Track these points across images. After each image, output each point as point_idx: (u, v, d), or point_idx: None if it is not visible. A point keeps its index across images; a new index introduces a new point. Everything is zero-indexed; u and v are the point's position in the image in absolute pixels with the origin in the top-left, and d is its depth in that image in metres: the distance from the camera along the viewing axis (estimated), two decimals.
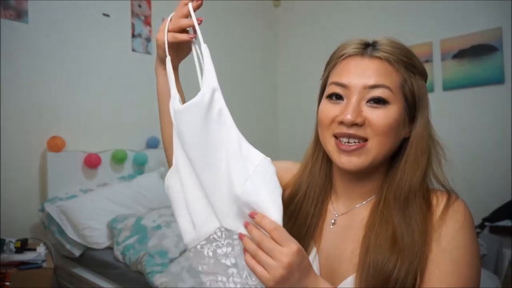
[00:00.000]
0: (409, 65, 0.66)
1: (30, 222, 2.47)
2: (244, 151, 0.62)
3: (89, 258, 2.30)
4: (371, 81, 0.64)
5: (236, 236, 0.64)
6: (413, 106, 0.67)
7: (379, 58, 0.65)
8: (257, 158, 0.61)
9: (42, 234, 2.40)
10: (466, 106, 2.85)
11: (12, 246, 1.94)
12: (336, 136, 0.66)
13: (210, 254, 0.67)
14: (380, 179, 0.70)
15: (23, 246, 1.96)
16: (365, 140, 0.64)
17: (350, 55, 0.68)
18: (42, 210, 2.38)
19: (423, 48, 2.98)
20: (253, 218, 0.58)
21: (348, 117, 0.63)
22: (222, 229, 0.65)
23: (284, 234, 0.56)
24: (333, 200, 0.74)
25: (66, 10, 2.62)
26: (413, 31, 3.05)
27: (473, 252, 0.61)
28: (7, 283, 1.70)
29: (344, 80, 0.66)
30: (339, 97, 0.67)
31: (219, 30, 3.48)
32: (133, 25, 2.98)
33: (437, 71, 2.97)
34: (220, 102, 0.63)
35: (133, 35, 2.99)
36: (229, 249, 0.65)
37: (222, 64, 3.58)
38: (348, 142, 0.65)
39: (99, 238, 2.30)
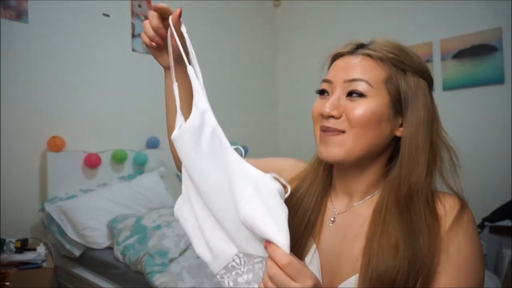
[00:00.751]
0: (397, 61, 0.66)
1: (30, 222, 2.47)
2: (242, 172, 0.58)
3: (89, 258, 2.30)
4: (351, 75, 0.66)
5: (257, 260, 0.60)
6: (399, 103, 0.66)
7: (364, 55, 0.67)
8: (256, 177, 0.57)
9: (42, 234, 2.40)
10: (466, 106, 2.85)
11: (12, 246, 1.94)
12: (321, 130, 0.69)
13: (231, 284, 0.62)
14: (375, 176, 0.70)
15: (23, 246, 1.96)
16: (343, 132, 0.66)
17: (341, 55, 0.71)
18: (42, 210, 2.38)
19: (423, 48, 2.98)
20: (266, 248, 0.55)
21: (325, 109, 0.66)
22: (241, 255, 0.60)
23: (299, 268, 0.53)
24: (333, 198, 0.75)
25: (66, 10, 2.63)
26: (413, 31, 3.05)
27: (477, 255, 0.62)
28: (7, 283, 1.70)
29: (329, 76, 0.70)
30: (326, 92, 0.70)
31: (219, 30, 3.48)
32: (133, 25, 2.99)
33: (437, 71, 2.97)
34: (212, 122, 0.60)
35: (133, 35, 2.99)
36: (250, 275, 0.60)
37: (222, 64, 3.60)
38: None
39: (99, 238, 2.30)
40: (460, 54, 2.90)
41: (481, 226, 2.45)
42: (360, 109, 0.64)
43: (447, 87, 2.93)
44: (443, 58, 2.96)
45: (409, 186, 0.64)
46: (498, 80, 2.75)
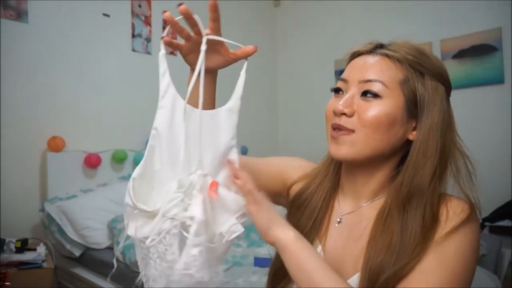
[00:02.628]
0: (415, 63, 0.65)
1: (30, 222, 2.47)
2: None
3: (89, 258, 2.30)
4: (366, 76, 0.66)
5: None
6: (414, 106, 0.65)
7: (382, 55, 0.67)
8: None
9: (42, 234, 2.40)
10: (466, 106, 2.85)
11: (12, 246, 1.94)
12: (332, 127, 0.68)
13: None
14: (384, 179, 0.70)
15: (23, 246, 1.96)
16: (353, 131, 0.66)
17: (359, 54, 0.70)
18: (42, 210, 2.38)
19: None
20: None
21: (338, 107, 0.66)
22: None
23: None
24: (340, 199, 0.75)
25: (66, 10, 2.63)
26: (413, 31, 3.05)
27: (469, 266, 0.60)
28: (7, 283, 1.70)
29: (345, 75, 0.70)
30: (341, 91, 0.70)
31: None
32: (133, 25, 2.99)
33: None
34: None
35: (133, 35, 2.99)
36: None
37: None
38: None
39: (99, 238, 2.30)
40: (460, 54, 2.90)
41: (481, 226, 2.45)
42: (373, 110, 0.64)
43: None
44: (443, 58, 2.96)
45: (409, 188, 0.64)
46: (498, 80, 2.75)
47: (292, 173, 0.82)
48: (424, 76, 0.65)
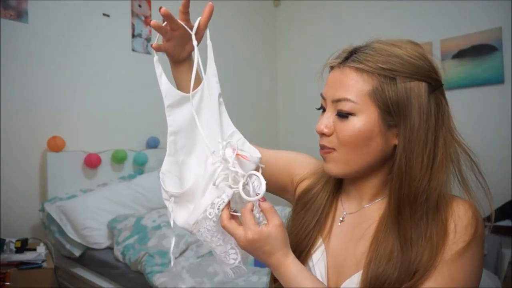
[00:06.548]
0: (383, 70, 0.63)
1: (30, 222, 2.47)
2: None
3: (89, 258, 2.30)
4: (336, 95, 0.66)
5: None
6: (389, 114, 0.63)
7: (350, 67, 0.66)
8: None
9: (42, 234, 2.40)
10: (466, 106, 2.85)
11: (12, 246, 1.94)
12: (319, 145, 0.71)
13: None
14: (381, 181, 0.70)
15: (23, 246, 1.96)
16: (334, 149, 0.67)
17: (331, 67, 0.71)
18: (42, 210, 2.38)
19: None
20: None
21: (319, 127, 0.68)
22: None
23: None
24: (343, 199, 0.76)
25: (66, 10, 2.63)
26: (413, 31, 3.05)
27: (474, 280, 0.61)
28: (7, 283, 1.70)
29: (323, 92, 0.70)
30: (323, 108, 0.71)
31: (219, 29, 3.48)
32: (133, 25, 2.99)
33: None
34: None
35: (133, 35, 2.99)
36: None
37: (222, 64, 3.59)
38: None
39: (99, 238, 2.30)
40: (460, 54, 2.90)
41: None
42: (348, 129, 0.64)
43: (447, 87, 2.86)
44: (443, 58, 2.96)
45: (397, 200, 0.64)
46: (498, 80, 2.75)
47: (300, 170, 0.83)
48: (396, 80, 0.62)
